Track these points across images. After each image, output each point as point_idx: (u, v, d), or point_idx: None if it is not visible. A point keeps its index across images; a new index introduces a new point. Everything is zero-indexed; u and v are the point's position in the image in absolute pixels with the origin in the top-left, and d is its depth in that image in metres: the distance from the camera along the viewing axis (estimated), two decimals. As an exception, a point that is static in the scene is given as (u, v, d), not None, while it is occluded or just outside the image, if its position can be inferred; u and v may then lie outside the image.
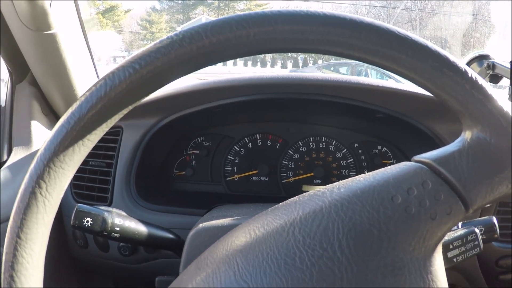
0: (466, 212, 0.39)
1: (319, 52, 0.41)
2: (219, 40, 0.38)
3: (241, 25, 0.38)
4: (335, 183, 0.44)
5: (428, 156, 0.41)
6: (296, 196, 0.46)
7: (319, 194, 0.43)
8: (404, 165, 0.42)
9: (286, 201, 0.46)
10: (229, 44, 0.38)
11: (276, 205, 0.46)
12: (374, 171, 0.43)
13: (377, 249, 0.37)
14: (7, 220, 0.94)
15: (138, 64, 0.38)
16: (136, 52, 0.39)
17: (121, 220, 0.71)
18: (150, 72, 0.38)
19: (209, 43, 0.38)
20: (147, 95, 0.41)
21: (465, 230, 0.64)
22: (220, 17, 0.40)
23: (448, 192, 0.38)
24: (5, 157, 1.10)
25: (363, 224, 0.38)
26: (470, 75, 0.39)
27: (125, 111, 0.41)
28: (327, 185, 0.44)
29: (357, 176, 0.44)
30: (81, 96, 0.39)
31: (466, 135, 0.41)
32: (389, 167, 0.43)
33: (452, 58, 0.39)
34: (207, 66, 0.41)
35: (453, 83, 0.39)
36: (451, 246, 0.62)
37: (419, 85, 0.41)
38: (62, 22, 0.98)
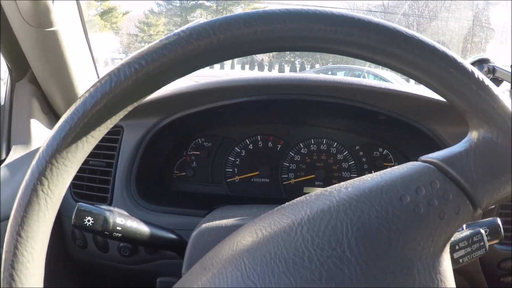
0: (474, 212, 0.39)
1: (326, 51, 0.41)
2: (226, 37, 0.38)
3: (249, 23, 0.38)
4: (342, 182, 0.44)
5: (435, 156, 0.41)
6: (302, 196, 0.45)
7: (326, 194, 0.43)
8: (411, 165, 0.42)
9: (292, 201, 0.45)
10: (237, 42, 0.38)
11: (282, 205, 0.45)
12: (381, 171, 0.43)
13: (386, 249, 0.37)
14: (6, 219, 0.93)
15: (144, 60, 0.38)
16: (142, 48, 0.39)
17: (123, 219, 0.70)
18: (156, 69, 0.38)
19: (216, 40, 0.38)
20: (152, 92, 0.40)
21: (471, 231, 0.64)
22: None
23: (456, 191, 0.39)
24: (3, 156, 1.09)
25: (372, 223, 0.38)
26: (477, 76, 0.39)
27: (130, 108, 0.40)
28: (334, 185, 0.44)
29: (364, 176, 0.44)
30: (85, 92, 0.39)
31: (473, 135, 0.41)
32: (396, 167, 0.43)
33: (459, 58, 0.39)
34: (214, 63, 0.41)
35: (460, 83, 0.39)
36: (457, 247, 0.61)
37: (425, 85, 0.41)
38: (64, 20, 0.98)
